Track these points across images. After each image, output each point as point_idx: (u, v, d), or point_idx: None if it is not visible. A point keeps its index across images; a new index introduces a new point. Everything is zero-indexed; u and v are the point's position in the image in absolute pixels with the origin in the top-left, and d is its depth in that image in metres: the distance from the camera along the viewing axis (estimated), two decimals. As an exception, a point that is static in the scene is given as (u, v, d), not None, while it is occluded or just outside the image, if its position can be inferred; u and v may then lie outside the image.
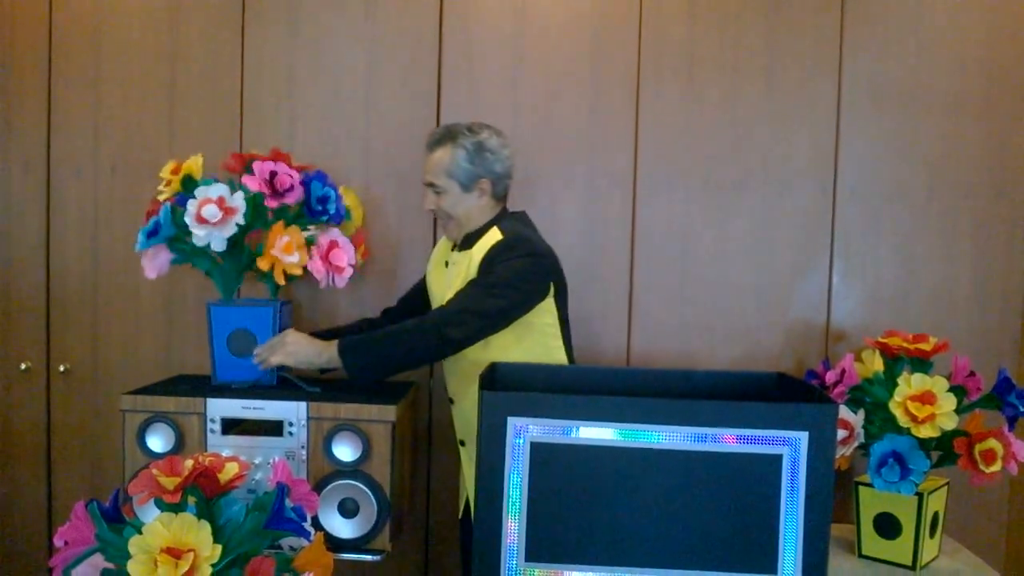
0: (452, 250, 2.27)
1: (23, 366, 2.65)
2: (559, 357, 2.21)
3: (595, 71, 2.55)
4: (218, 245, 2.12)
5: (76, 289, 2.64)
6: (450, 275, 2.23)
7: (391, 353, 2.02)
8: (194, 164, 2.18)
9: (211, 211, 2.10)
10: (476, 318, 2.03)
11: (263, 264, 2.15)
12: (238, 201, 2.13)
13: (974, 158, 2.54)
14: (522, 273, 2.09)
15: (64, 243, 2.65)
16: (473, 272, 2.13)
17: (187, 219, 2.09)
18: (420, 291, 2.40)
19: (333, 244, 2.24)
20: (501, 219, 2.21)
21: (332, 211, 2.26)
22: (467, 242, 2.21)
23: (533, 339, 2.17)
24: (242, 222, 2.12)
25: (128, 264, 2.54)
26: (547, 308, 2.18)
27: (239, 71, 2.59)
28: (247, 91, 2.60)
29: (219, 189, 2.12)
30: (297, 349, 2.08)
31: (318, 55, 2.58)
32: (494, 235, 2.16)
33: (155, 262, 2.20)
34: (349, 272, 2.27)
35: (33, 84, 2.62)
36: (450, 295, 2.12)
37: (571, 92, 2.55)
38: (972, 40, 2.52)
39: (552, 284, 2.17)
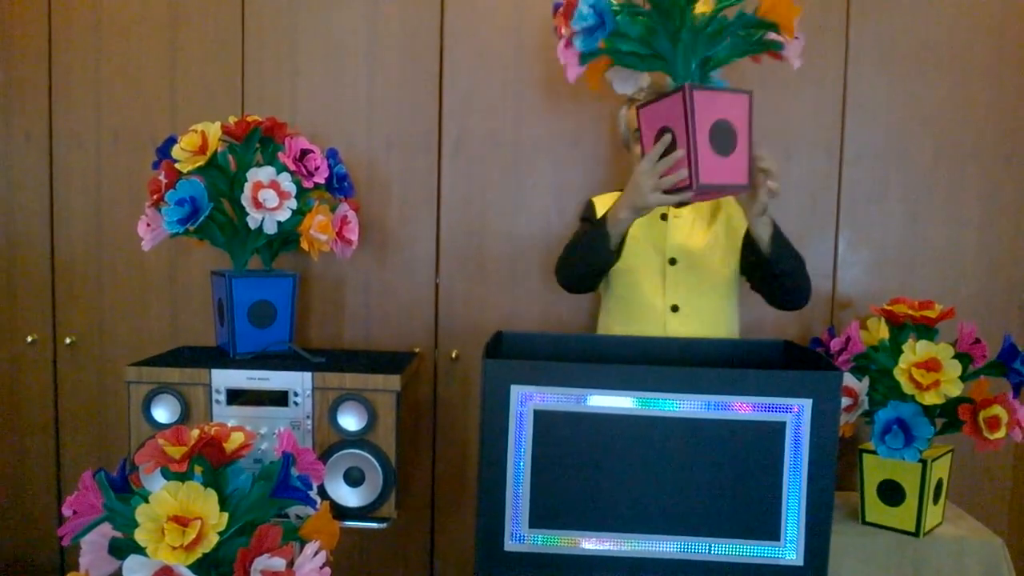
0: None
1: (29, 338, 2.66)
2: None
3: (599, 37, 2.52)
4: (270, 228, 2.13)
5: (81, 261, 2.65)
6: (678, 226, 2.17)
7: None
8: (213, 136, 2.14)
9: (269, 196, 2.12)
10: None
11: (304, 244, 2.19)
12: (290, 185, 2.15)
13: (982, 121, 2.51)
14: None
15: (68, 214, 2.64)
16: (738, 216, 2.16)
17: (243, 202, 2.11)
18: None
19: (345, 219, 2.28)
20: None
21: (346, 187, 2.33)
22: None
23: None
24: (294, 207, 2.15)
25: (132, 235, 2.53)
26: None
27: (240, 36, 2.57)
28: (248, 57, 2.57)
29: (268, 172, 2.13)
30: None
31: (319, 19, 2.56)
32: None
33: (154, 234, 2.20)
34: (355, 244, 2.31)
35: (33, 54, 2.60)
36: (689, 243, 2.14)
37: (575, 58, 2.52)
38: (981, 1, 2.48)
39: None
